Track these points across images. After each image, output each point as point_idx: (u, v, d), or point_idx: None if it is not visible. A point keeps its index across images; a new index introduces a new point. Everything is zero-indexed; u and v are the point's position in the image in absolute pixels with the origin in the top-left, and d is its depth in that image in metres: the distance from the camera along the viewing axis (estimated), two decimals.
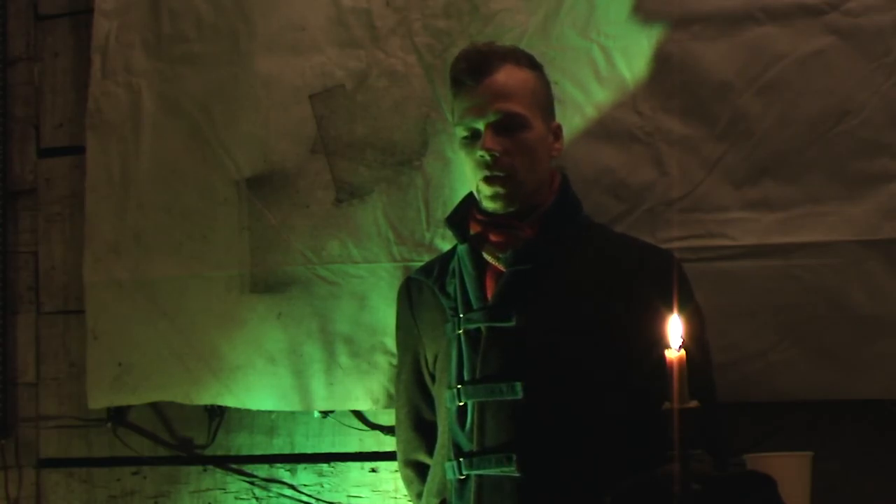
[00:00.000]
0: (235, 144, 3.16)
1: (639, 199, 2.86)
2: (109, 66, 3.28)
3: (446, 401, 2.38)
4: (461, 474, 2.33)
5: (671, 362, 1.83)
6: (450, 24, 3.01)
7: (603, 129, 2.90)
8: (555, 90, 2.91)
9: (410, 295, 2.56)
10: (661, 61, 2.86)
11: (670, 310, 2.25)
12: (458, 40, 2.94)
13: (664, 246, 2.75)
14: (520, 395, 2.29)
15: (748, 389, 2.76)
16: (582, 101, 2.91)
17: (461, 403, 2.34)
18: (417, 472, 2.55)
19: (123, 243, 3.23)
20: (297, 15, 3.14)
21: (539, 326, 2.31)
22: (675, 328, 1.85)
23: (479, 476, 2.31)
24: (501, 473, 2.28)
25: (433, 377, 2.50)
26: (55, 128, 3.44)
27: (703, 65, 2.84)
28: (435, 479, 2.44)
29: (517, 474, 2.27)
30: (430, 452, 2.50)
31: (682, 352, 1.84)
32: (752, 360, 2.76)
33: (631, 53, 2.88)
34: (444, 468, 2.39)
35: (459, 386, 2.35)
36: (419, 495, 2.53)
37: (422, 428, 2.54)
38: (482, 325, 2.34)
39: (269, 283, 3.12)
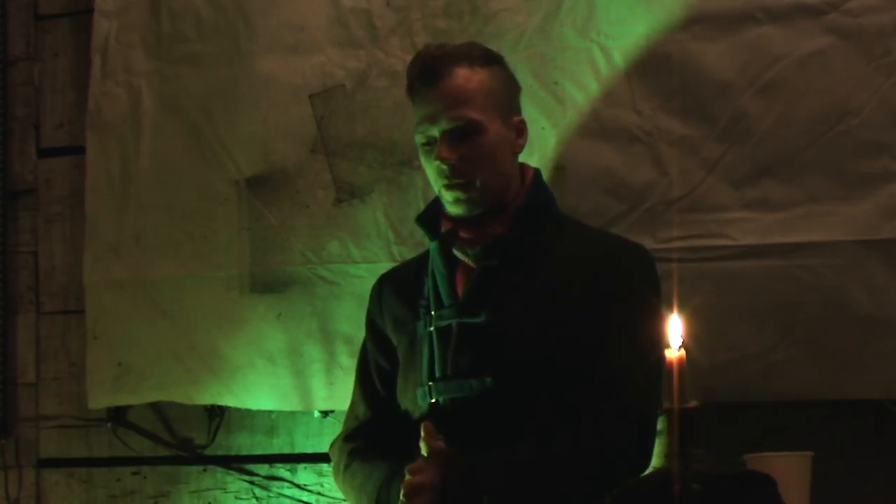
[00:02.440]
0: (235, 144, 3.16)
1: (639, 199, 2.86)
2: (109, 66, 3.28)
3: (417, 399, 2.37)
4: None
5: (671, 362, 1.82)
6: (450, 24, 3.02)
7: (603, 129, 2.90)
8: (555, 90, 2.91)
9: (381, 292, 2.53)
10: (661, 61, 2.86)
11: (642, 304, 2.27)
12: (458, 40, 2.93)
13: (664, 246, 2.75)
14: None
15: (748, 389, 2.76)
16: (582, 101, 2.91)
17: (432, 401, 2.33)
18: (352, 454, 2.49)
19: (123, 243, 3.23)
20: (296, 15, 3.14)
21: (509, 322, 2.29)
22: (674, 328, 1.85)
23: None
24: None
25: (389, 374, 2.48)
26: (55, 128, 3.44)
27: (703, 65, 2.84)
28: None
29: None
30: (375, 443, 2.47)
31: (682, 352, 1.83)
32: (752, 360, 2.76)
33: (631, 53, 2.88)
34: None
35: (431, 383, 2.34)
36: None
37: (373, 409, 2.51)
38: (453, 322, 2.33)
39: (269, 283, 3.12)
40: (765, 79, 2.80)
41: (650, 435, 2.24)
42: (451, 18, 3.02)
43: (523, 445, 2.20)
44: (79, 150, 3.35)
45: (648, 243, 2.77)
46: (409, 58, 3.01)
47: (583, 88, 2.91)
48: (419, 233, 2.99)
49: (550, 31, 2.94)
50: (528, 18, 2.96)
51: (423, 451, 2.21)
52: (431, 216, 2.46)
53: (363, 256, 3.05)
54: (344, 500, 3.09)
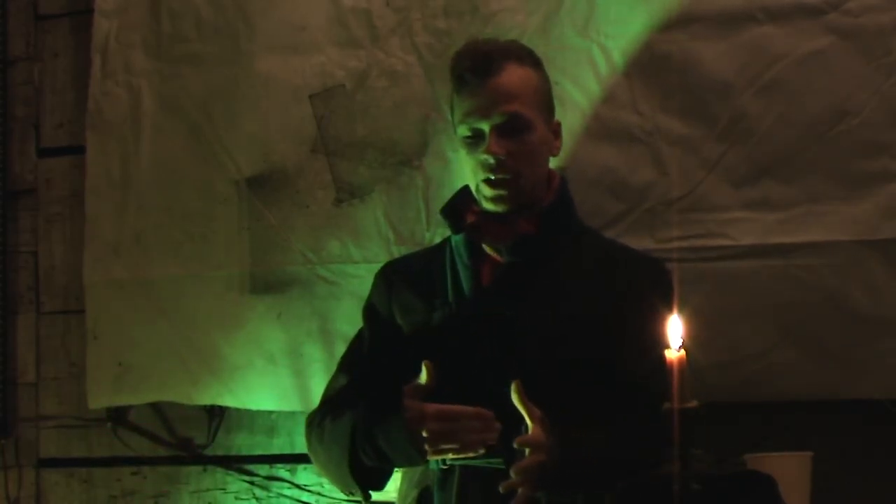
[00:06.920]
0: (235, 144, 3.16)
1: (639, 199, 2.86)
2: (109, 66, 3.28)
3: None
4: (445, 465, 2.33)
5: (671, 362, 1.83)
6: (450, 24, 3.02)
7: (603, 129, 2.90)
8: (555, 90, 2.92)
9: (390, 280, 2.51)
10: (661, 61, 2.86)
11: (665, 313, 2.27)
12: (458, 40, 2.93)
13: (664, 246, 2.76)
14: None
15: (748, 389, 2.76)
16: (582, 101, 2.91)
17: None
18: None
19: (123, 243, 3.23)
20: (296, 15, 3.14)
21: (532, 319, 2.31)
22: (674, 328, 1.85)
23: (464, 467, 2.30)
24: (487, 464, 2.28)
25: (386, 362, 2.47)
26: (55, 128, 3.44)
27: (703, 65, 2.84)
28: (416, 470, 2.42)
29: (503, 466, 2.26)
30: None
31: (682, 352, 1.83)
32: (752, 360, 2.76)
33: (631, 53, 2.89)
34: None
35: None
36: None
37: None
38: (477, 315, 2.34)
39: (269, 283, 3.12)
40: (765, 79, 2.80)
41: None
42: (451, 18, 3.02)
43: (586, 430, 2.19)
44: (79, 150, 3.35)
45: (648, 243, 2.78)
46: (409, 58, 3.04)
47: (583, 88, 2.91)
48: (419, 233, 3.00)
49: (550, 31, 2.94)
50: (528, 18, 2.96)
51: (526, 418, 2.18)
52: (454, 209, 2.47)
53: (363, 256, 3.05)
54: (345, 499, 3.09)
